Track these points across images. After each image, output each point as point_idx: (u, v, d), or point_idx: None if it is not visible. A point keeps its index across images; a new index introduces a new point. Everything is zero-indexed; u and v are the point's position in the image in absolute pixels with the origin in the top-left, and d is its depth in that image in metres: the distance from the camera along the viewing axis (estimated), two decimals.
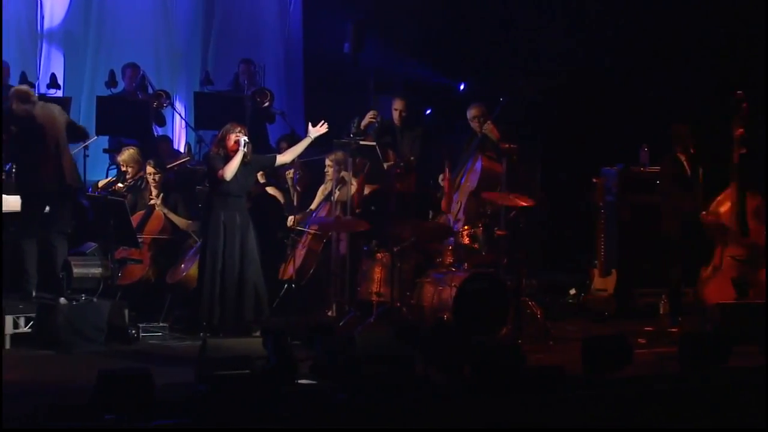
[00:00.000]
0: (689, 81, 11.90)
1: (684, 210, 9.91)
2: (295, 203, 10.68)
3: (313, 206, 10.72)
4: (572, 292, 11.44)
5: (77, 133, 10.00)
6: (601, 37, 12.43)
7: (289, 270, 10.40)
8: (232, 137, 9.33)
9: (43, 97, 10.24)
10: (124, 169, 10.69)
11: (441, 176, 10.24)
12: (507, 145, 10.07)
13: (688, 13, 12.04)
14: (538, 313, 9.72)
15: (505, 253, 9.90)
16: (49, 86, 11.57)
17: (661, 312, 10.31)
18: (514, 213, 9.98)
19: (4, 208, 9.73)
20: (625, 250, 11.13)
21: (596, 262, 11.00)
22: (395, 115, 11.04)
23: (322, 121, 9.67)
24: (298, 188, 10.61)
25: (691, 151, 9.97)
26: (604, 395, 7.13)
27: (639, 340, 9.41)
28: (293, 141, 10.50)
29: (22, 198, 9.46)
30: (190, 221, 10.43)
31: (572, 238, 11.83)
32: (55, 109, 9.69)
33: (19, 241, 9.53)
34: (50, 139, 9.46)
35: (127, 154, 10.65)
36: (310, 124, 9.72)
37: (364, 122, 10.93)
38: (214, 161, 9.35)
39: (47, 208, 9.46)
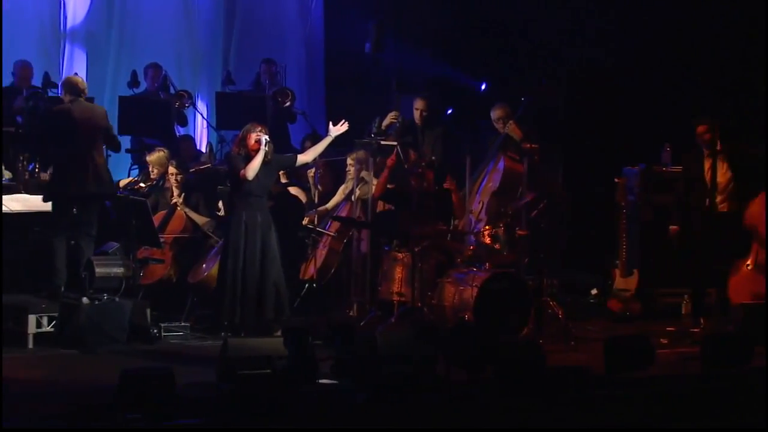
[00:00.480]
0: (713, 79, 11.84)
1: (704, 209, 9.88)
2: (316, 202, 10.69)
3: (329, 205, 10.73)
4: (594, 292, 11.41)
5: (111, 144, 10.08)
6: (623, 35, 12.38)
7: (310, 269, 10.42)
8: (253, 137, 9.34)
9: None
10: (150, 169, 10.74)
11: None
12: (529, 145, 10.07)
13: (714, 9, 11.98)
14: (560, 313, 9.70)
15: (526, 253, 9.89)
16: None
17: (683, 312, 10.26)
18: (535, 213, 9.97)
19: (30, 208, 9.80)
20: (647, 250, 11.10)
21: (618, 262, 10.96)
22: (416, 114, 11.04)
23: (343, 120, 9.68)
24: (319, 187, 10.62)
25: (717, 149, 9.91)
26: (626, 395, 7.11)
27: (661, 340, 9.37)
28: (315, 141, 10.51)
29: (53, 196, 9.50)
30: (207, 219, 10.46)
31: (594, 238, 11.79)
32: (97, 110, 9.73)
33: (50, 239, 9.58)
34: (84, 139, 9.49)
35: (156, 156, 10.70)
36: (330, 123, 9.73)
37: (385, 122, 10.94)
38: (235, 161, 9.36)
39: (74, 210, 9.51)
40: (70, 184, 9.42)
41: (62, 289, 9.35)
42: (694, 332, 9.65)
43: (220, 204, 10.53)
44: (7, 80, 11.59)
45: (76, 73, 11.03)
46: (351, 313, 10.05)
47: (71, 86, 9.64)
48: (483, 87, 12.17)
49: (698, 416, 6.89)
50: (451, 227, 10.29)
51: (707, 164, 9.90)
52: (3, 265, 9.60)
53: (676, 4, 12.26)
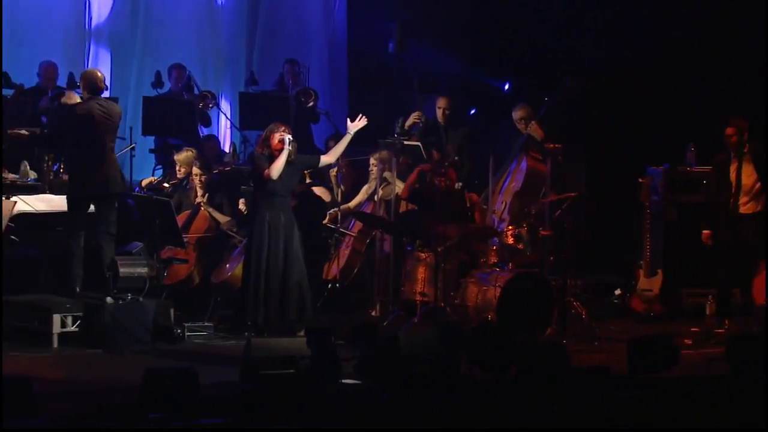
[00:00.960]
0: (739, 79, 11.79)
1: (728, 210, 9.84)
2: (339, 201, 10.70)
3: (352, 204, 10.74)
4: (617, 292, 11.37)
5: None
6: (649, 34, 12.34)
7: (333, 270, 10.43)
8: (277, 137, 9.35)
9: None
10: (177, 168, 10.78)
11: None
12: (552, 145, 10.05)
13: (742, 9, 11.92)
14: (583, 313, 9.68)
15: (549, 253, 9.87)
16: None
17: (708, 312, 10.22)
18: (558, 213, 9.95)
19: (54, 208, 9.84)
20: (671, 250, 11.06)
21: (642, 262, 10.93)
22: (439, 113, 11.04)
23: (360, 115, 9.64)
24: (342, 187, 10.63)
25: (744, 150, 9.86)
26: (649, 396, 7.08)
27: (685, 340, 9.34)
28: (338, 141, 10.52)
29: (69, 196, 9.54)
30: (228, 218, 10.49)
31: (618, 238, 11.76)
32: (116, 110, 9.72)
33: (67, 240, 9.61)
34: (101, 139, 9.50)
35: (184, 155, 10.75)
36: (348, 119, 9.71)
37: (408, 122, 10.95)
38: (259, 161, 9.37)
39: (92, 208, 9.53)
40: (87, 184, 9.44)
41: (78, 289, 9.38)
42: (719, 333, 9.61)
43: (241, 202, 10.54)
44: (33, 81, 11.65)
45: (77, 82, 11.02)
46: (374, 313, 10.06)
47: (90, 82, 9.57)
48: (506, 87, 12.16)
49: (723, 417, 6.86)
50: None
51: (733, 165, 9.87)
52: (28, 266, 9.66)
53: (703, 3, 12.22)
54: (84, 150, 9.43)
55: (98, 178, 9.40)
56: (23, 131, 10.22)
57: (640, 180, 11.06)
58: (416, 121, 10.96)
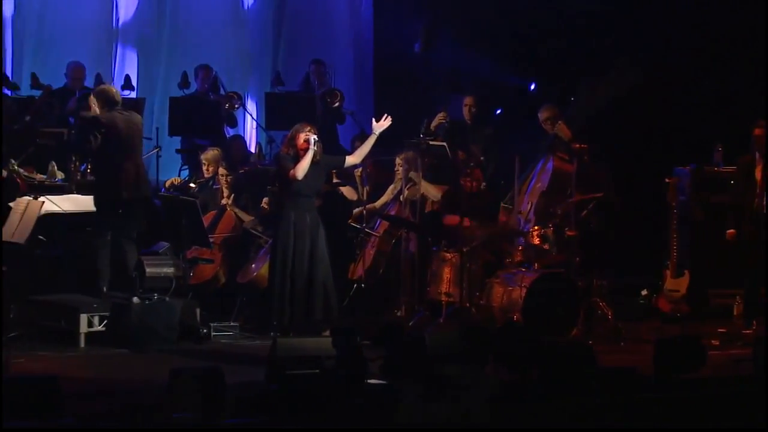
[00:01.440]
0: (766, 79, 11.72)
1: (752, 210, 9.80)
2: (364, 200, 10.71)
3: (377, 204, 10.75)
4: (644, 292, 11.32)
5: None
6: (676, 35, 12.29)
7: (359, 270, 10.43)
8: (302, 137, 9.36)
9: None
10: (205, 167, 10.82)
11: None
12: (578, 145, 10.02)
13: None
14: (609, 313, 9.65)
15: (575, 253, 9.85)
16: (123, 87, 11.71)
17: (735, 313, 10.17)
18: (584, 213, 9.92)
19: (81, 208, 9.89)
20: (698, 251, 11.01)
21: (668, 262, 10.87)
22: (465, 110, 11.05)
23: (386, 115, 9.65)
24: (367, 187, 10.64)
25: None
26: (676, 397, 7.05)
27: (712, 341, 9.29)
28: (364, 141, 10.53)
29: (96, 198, 9.59)
30: (251, 217, 10.52)
31: (644, 238, 11.71)
32: (136, 118, 9.78)
33: (94, 240, 9.66)
34: (128, 146, 9.55)
35: (211, 154, 10.80)
36: (374, 119, 9.72)
37: (434, 123, 10.94)
38: (284, 161, 9.39)
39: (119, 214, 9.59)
40: (116, 188, 9.48)
41: (104, 289, 9.43)
42: (746, 333, 9.56)
43: (264, 201, 10.57)
44: (61, 81, 11.72)
45: (103, 82, 11.08)
46: (399, 314, 10.05)
47: (107, 99, 9.60)
48: (532, 87, 12.12)
49: (750, 418, 6.82)
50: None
51: (759, 166, 9.82)
52: (54, 265, 9.71)
53: (730, 4, 12.15)
54: (111, 156, 9.48)
55: (127, 183, 9.45)
56: (55, 131, 10.32)
57: (667, 180, 11.01)
58: (441, 121, 10.95)
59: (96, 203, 9.57)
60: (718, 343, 9.31)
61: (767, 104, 10.66)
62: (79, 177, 10.47)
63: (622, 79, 10.73)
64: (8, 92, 11.37)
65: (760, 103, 11.08)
